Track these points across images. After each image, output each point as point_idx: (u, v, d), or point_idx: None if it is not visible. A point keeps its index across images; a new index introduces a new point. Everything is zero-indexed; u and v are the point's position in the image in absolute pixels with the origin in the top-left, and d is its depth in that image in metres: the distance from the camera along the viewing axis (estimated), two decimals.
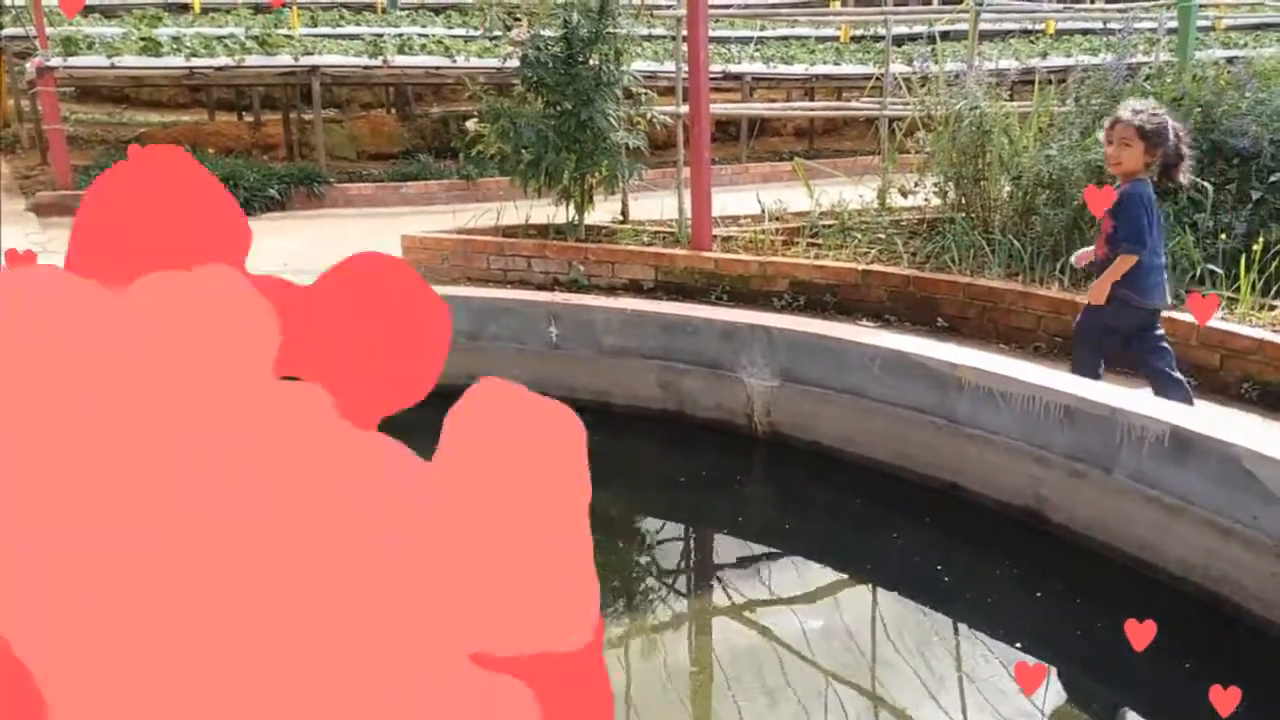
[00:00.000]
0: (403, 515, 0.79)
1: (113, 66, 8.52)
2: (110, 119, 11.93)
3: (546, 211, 5.75)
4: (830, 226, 5.53)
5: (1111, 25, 10.54)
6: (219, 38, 9.27)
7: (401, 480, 0.79)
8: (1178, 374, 3.34)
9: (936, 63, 5.60)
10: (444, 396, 0.71)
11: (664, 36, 9.81)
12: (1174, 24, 6.56)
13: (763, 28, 12.34)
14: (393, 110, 12.09)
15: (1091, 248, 3.52)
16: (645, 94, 5.80)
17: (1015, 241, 4.71)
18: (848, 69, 11.13)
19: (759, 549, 3.31)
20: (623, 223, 5.95)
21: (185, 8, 12.09)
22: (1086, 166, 4.55)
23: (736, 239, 5.50)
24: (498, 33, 9.33)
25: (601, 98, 5.36)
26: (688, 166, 5.58)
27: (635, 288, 5.26)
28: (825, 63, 11.25)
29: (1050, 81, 5.65)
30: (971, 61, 5.81)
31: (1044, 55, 10.61)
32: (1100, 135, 3.61)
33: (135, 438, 0.76)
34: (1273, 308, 4.12)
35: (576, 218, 5.68)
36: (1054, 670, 2.56)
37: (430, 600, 0.80)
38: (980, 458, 3.26)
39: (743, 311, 4.39)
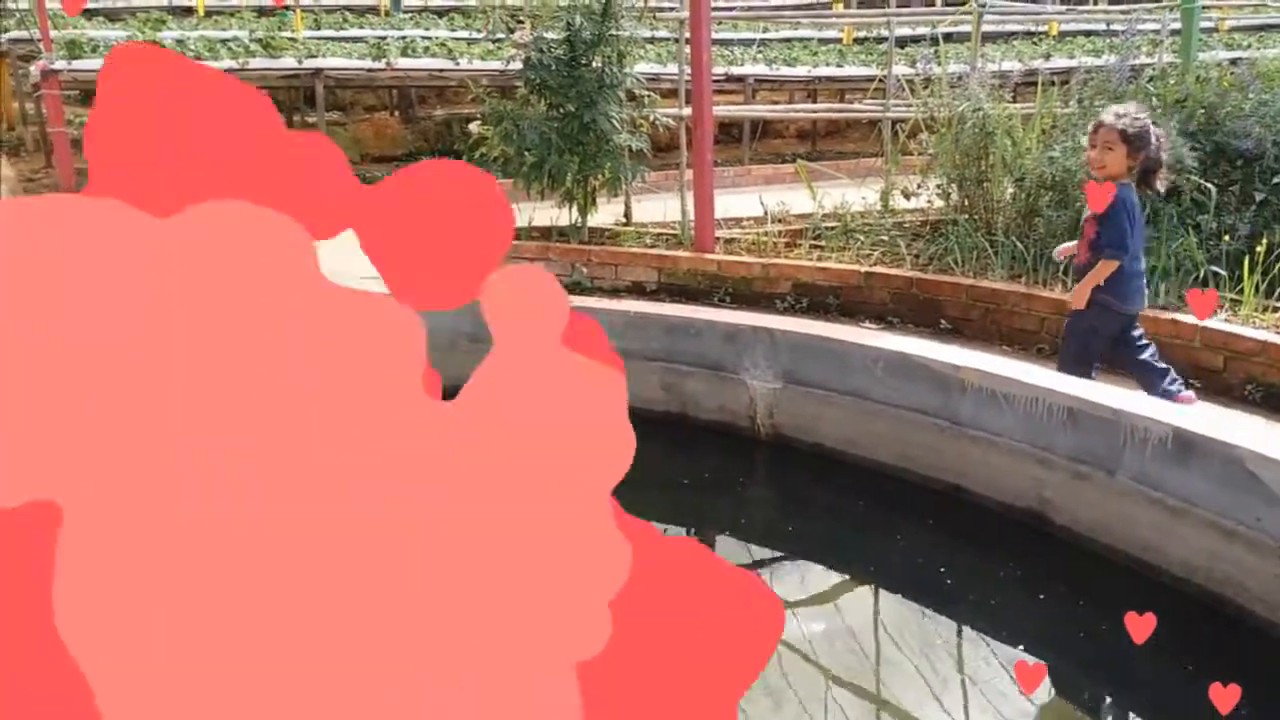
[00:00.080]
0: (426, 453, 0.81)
1: None
2: None
3: (550, 214, 5.76)
4: (833, 228, 5.53)
5: (1115, 27, 10.52)
6: (223, 41, 9.29)
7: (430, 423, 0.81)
8: (1163, 364, 3.40)
9: (939, 64, 5.61)
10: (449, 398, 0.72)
11: (667, 39, 9.81)
12: (1177, 25, 6.55)
13: (765, 30, 12.34)
14: (396, 113, 12.11)
15: (1074, 242, 3.55)
16: (648, 96, 5.80)
17: (1018, 243, 4.71)
18: (851, 71, 11.12)
19: (761, 551, 3.31)
20: (626, 225, 5.96)
21: (189, 10, 12.11)
22: (1089, 168, 4.54)
23: (739, 241, 5.50)
24: (501, 35, 9.34)
25: (604, 100, 5.37)
26: (690, 169, 5.58)
27: (638, 290, 5.26)
28: (828, 65, 11.24)
29: (1053, 83, 5.65)
30: (974, 63, 5.82)
31: (1047, 57, 10.61)
32: (1084, 139, 3.64)
33: (188, 372, 0.78)
34: (1276, 309, 4.11)
35: (579, 220, 5.68)
36: (1058, 672, 2.56)
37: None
38: (983, 459, 3.26)
39: (745, 313, 4.39)
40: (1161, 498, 2.77)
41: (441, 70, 9.69)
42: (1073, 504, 3.03)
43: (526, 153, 5.36)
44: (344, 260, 1.02)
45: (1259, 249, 4.17)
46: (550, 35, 5.50)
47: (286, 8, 11.03)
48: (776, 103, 12.22)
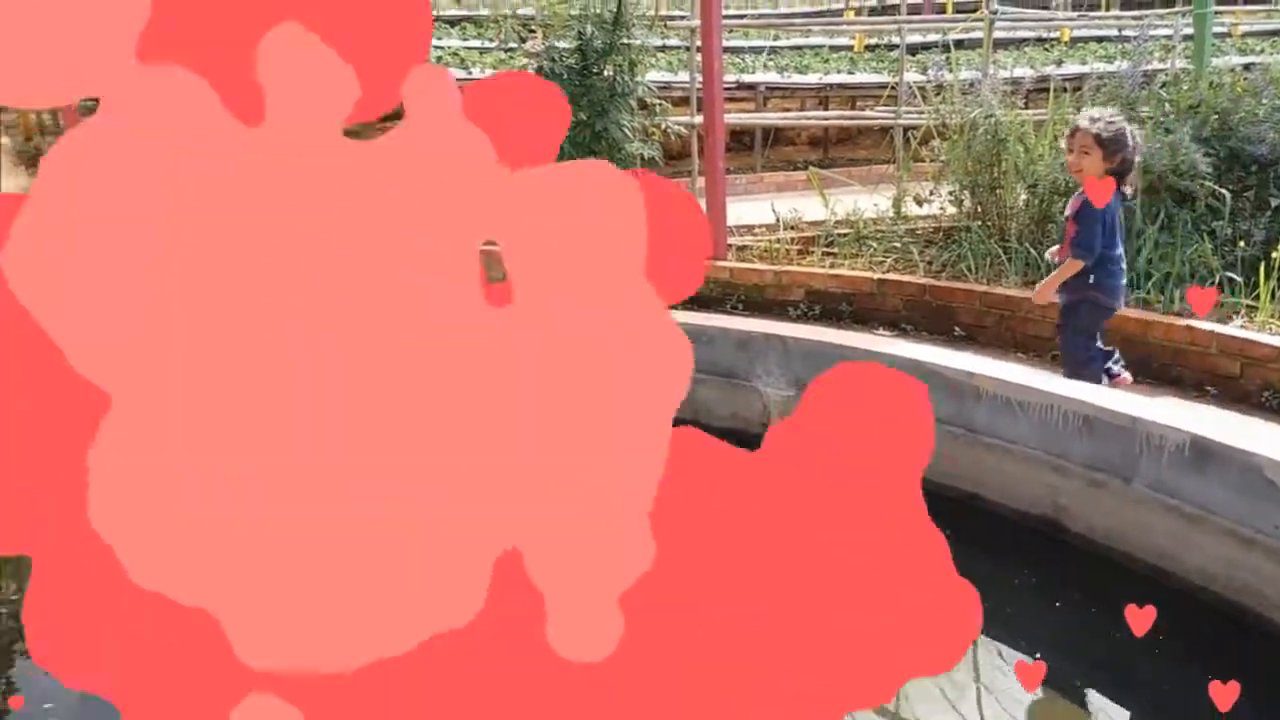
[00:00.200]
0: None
1: None
2: None
3: None
4: (845, 235, 5.53)
5: (1127, 32, 10.50)
6: None
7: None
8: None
9: (951, 71, 5.60)
10: None
11: (678, 47, 9.83)
12: (1190, 31, 6.54)
13: (776, 37, 12.36)
14: None
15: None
16: (660, 105, 5.83)
17: (1032, 250, 4.69)
18: (862, 78, 11.13)
19: None
20: None
21: None
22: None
23: (751, 248, 5.50)
24: (513, 45, 9.39)
25: (616, 109, 5.39)
26: (702, 176, 5.59)
27: None
28: (839, 72, 11.26)
29: (1066, 89, 5.64)
30: (986, 70, 5.81)
31: (1059, 63, 10.59)
32: (1062, 143, 3.74)
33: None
34: None
35: None
36: (1072, 677, 2.54)
37: None
38: (998, 467, 3.25)
39: (758, 321, 4.39)
40: (1178, 505, 2.76)
41: (455, 80, 9.72)
42: (1088, 511, 3.01)
43: None
44: None
45: (1274, 255, 4.15)
46: (562, 44, 5.53)
47: None
48: (788, 110, 12.23)
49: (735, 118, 8.76)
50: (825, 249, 5.41)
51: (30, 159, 10.52)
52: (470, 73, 9.71)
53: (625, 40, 5.43)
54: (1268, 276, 4.08)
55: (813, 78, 11.20)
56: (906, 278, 4.86)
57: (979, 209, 5.17)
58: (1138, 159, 3.52)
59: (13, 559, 3.13)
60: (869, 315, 4.84)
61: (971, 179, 5.13)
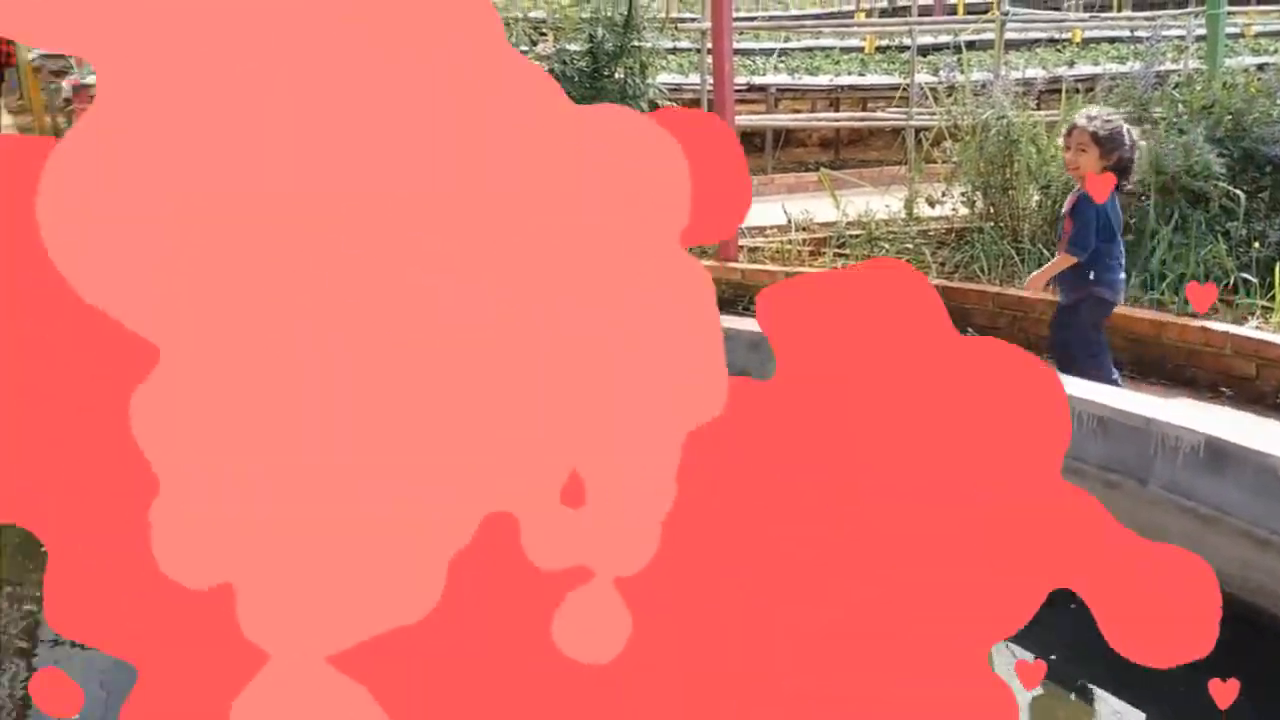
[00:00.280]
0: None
1: None
2: None
3: None
4: (857, 237, 5.53)
5: (1139, 33, 10.47)
6: None
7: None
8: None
9: (963, 72, 5.60)
10: None
11: (689, 49, 9.84)
12: (1203, 31, 6.52)
13: (787, 39, 12.36)
14: None
15: None
16: (671, 107, 5.83)
17: (1045, 250, 4.69)
18: (873, 79, 11.12)
19: None
20: None
21: None
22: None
23: (763, 250, 5.50)
24: (524, 48, 9.41)
25: None
26: None
27: None
28: (850, 73, 11.24)
29: (1078, 90, 5.63)
30: (998, 71, 5.81)
31: (1071, 64, 10.56)
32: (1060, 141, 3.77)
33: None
34: None
35: None
36: (1089, 684, 2.54)
37: None
38: None
39: None
40: (1194, 507, 2.75)
41: None
42: None
43: None
44: None
45: None
46: (573, 47, 5.54)
47: None
48: (799, 112, 12.22)
49: (746, 119, 8.77)
50: (837, 250, 5.41)
51: None
52: None
53: (636, 43, 5.44)
54: None
55: (823, 79, 11.18)
56: None
57: (991, 210, 5.16)
58: (1136, 156, 3.54)
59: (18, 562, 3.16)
60: None
61: (984, 180, 5.12)
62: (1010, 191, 5.06)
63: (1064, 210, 3.65)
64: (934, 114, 5.79)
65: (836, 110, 12.27)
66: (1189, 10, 8.36)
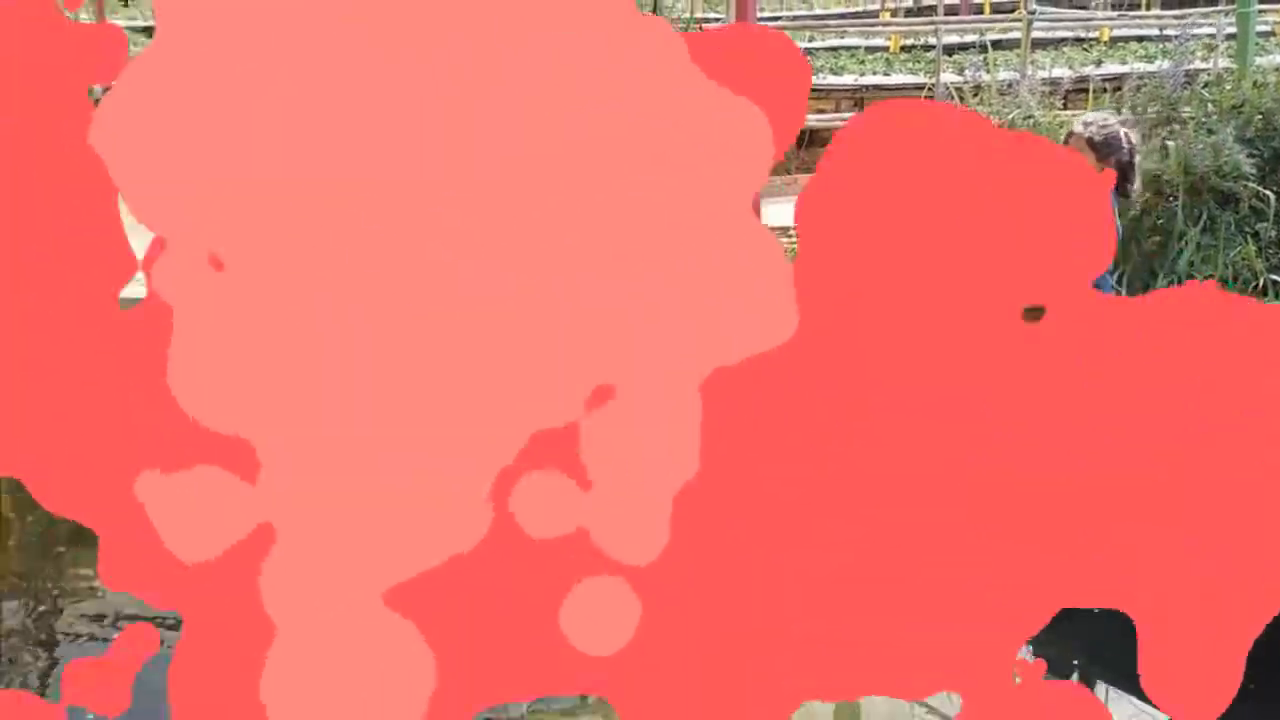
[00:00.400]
0: None
1: None
2: None
3: None
4: None
5: (1169, 32, 10.37)
6: None
7: None
8: None
9: (988, 72, 5.57)
10: None
11: None
12: (1233, 29, 6.45)
13: (811, 39, 12.33)
14: None
15: None
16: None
17: None
18: (898, 79, 11.07)
19: None
20: None
21: None
22: (1143, 176, 4.49)
23: (787, 250, 5.50)
24: None
25: None
26: None
27: None
28: (875, 73, 11.21)
29: (1105, 90, 5.59)
30: (1024, 70, 5.78)
31: (1099, 63, 10.46)
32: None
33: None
34: None
35: None
36: (1104, 689, 2.53)
37: None
38: None
39: None
40: None
41: None
42: None
43: None
44: None
45: None
46: None
47: None
48: (823, 112, 12.18)
49: None
50: None
51: None
52: None
53: None
54: None
55: (848, 79, 11.15)
56: None
57: None
58: (1137, 160, 3.49)
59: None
60: None
61: None
62: None
63: None
64: None
65: (861, 110, 12.21)
66: (1219, 8, 8.27)
